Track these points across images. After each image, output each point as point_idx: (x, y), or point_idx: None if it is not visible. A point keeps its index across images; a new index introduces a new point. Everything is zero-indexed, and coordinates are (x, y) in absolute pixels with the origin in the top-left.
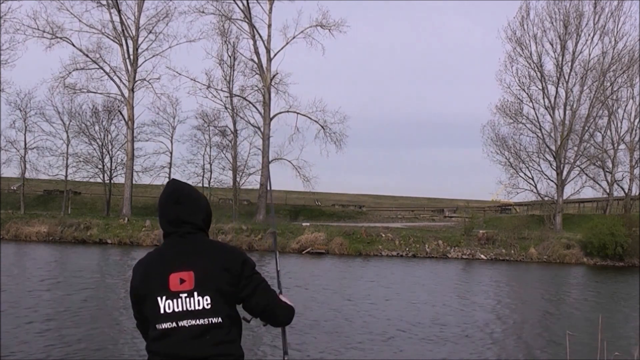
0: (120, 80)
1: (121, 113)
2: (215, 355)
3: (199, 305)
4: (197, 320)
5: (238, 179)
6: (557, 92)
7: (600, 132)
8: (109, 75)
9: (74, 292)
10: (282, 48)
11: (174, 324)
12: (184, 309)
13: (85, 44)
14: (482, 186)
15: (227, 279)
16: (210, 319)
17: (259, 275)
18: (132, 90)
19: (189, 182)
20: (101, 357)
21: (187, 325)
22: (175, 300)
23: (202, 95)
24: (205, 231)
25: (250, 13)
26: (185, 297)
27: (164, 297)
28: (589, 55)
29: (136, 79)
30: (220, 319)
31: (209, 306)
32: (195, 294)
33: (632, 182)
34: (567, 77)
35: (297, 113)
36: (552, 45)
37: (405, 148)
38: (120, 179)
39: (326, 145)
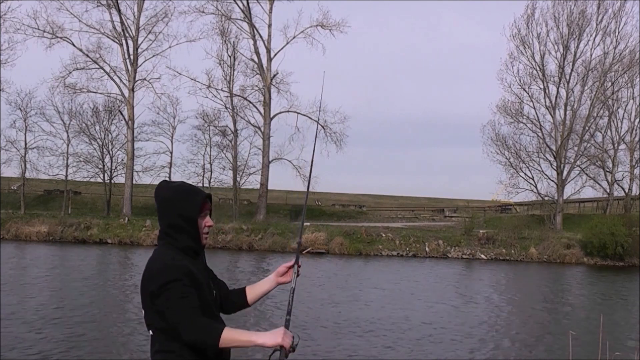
0: (121, 80)
1: (121, 113)
2: None
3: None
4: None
5: (238, 179)
6: (558, 92)
7: (601, 132)
8: (109, 75)
9: (74, 292)
10: (282, 48)
11: None
12: None
13: (85, 44)
14: (482, 186)
15: (148, 294)
16: (148, 331)
17: (171, 292)
18: (132, 90)
19: (189, 181)
20: (101, 357)
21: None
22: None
23: (202, 95)
24: (167, 239)
25: (250, 13)
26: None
27: None
28: (591, 55)
29: (136, 78)
30: (150, 331)
31: (144, 319)
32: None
33: (632, 182)
34: (568, 77)
35: (298, 113)
36: (554, 45)
37: (406, 148)
38: (120, 179)
39: (326, 145)
